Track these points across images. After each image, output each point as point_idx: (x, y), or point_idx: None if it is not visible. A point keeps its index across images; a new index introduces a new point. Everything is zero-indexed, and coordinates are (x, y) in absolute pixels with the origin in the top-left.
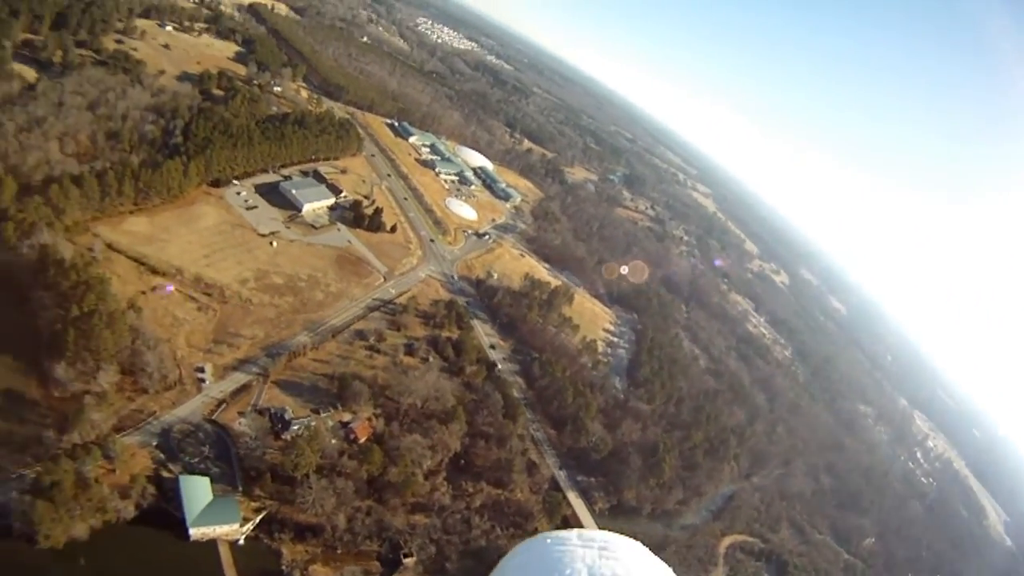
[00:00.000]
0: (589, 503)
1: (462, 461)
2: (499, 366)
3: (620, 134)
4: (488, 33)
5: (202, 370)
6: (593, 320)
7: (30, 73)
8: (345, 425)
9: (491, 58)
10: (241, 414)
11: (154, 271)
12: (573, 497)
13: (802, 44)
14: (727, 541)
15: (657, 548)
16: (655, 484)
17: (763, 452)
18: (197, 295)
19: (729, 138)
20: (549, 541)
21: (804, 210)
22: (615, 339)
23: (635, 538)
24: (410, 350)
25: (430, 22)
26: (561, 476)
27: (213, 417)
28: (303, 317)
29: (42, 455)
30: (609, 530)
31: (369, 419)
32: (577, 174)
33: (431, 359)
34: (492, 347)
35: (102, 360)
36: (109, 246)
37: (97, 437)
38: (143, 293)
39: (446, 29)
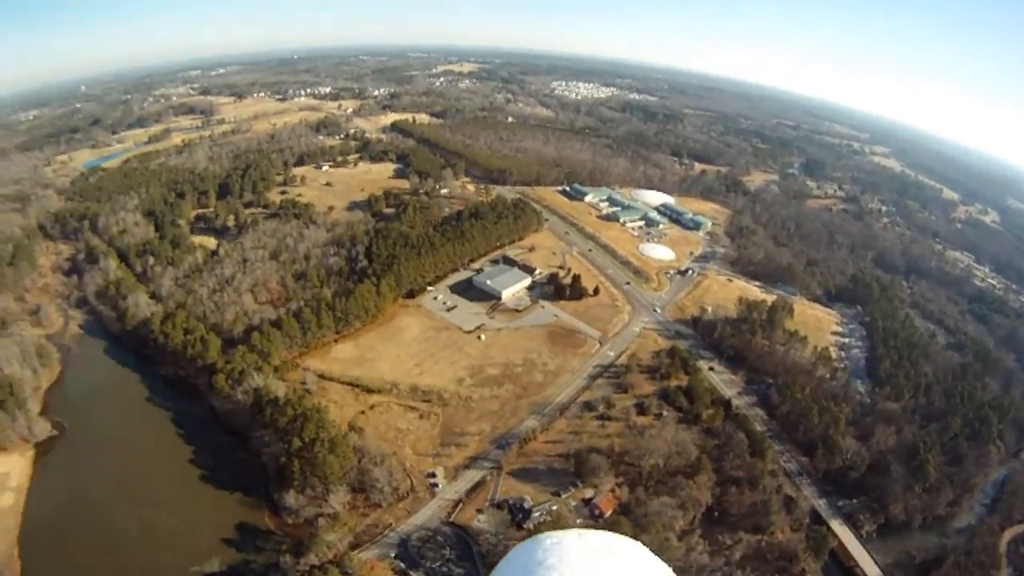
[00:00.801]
0: (856, 528)
1: (715, 513)
2: (735, 402)
3: (782, 125)
4: (621, 73)
5: (433, 475)
6: (818, 327)
7: (210, 241)
8: (588, 502)
9: (634, 96)
10: (479, 511)
11: (369, 390)
12: (837, 525)
13: None
14: (1008, 536)
15: (936, 563)
16: (921, 490)
17: None
18: (416, 404)
19: (881, 88)
20: (549, 541)
21: (979, 132)
22: (846, 340)
23: (911, 555)
24: (641, 409)
25: (564, 83)
26: (821, 505)
27: (451, 519)
28: (527, 402)
29: None
30: (883, 553)
31: (612, 490)
32: (756, 179)
33: (665, 413)
34: (717, 374)
35: (330, 483)
36: (321, 376)
37: (335, 556)
38: (362, 413)
39: (581, 84)
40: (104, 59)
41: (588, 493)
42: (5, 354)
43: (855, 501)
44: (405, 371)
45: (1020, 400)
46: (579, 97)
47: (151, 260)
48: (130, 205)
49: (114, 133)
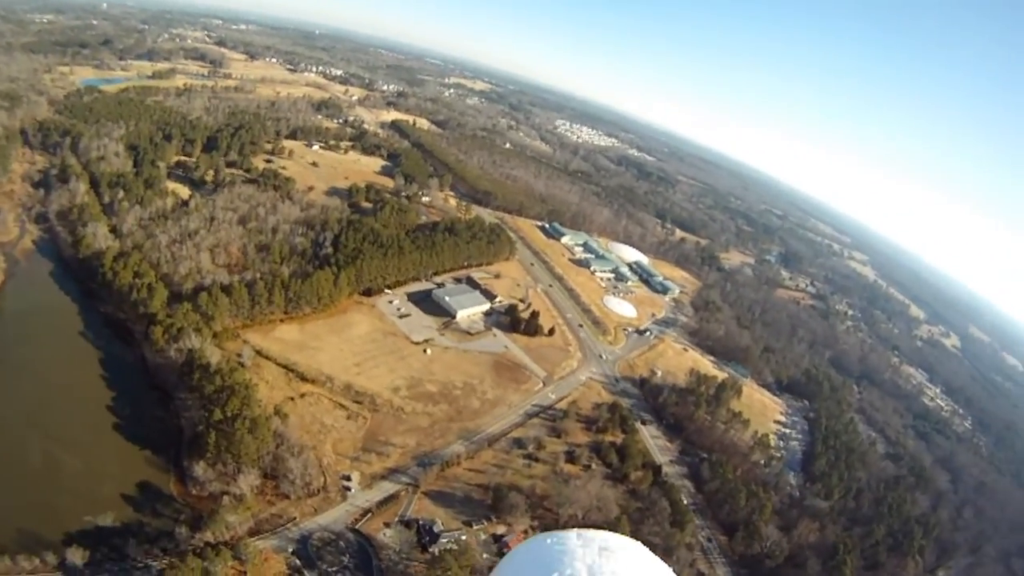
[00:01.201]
0: None
1: None
2: (666, 470)
3: (770, 212)
4: (626, 128)
5: (348, 478)
6: (763, 412)
7: (183, 191)
8: (499, 538)
9: (633, 151)
10: (387, 525)
11: (303, 378)
12: None
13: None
14: None
15: None
16: None
17: (949, 541)
18: (347, 403)
19: (872, 196)
20: (549, 541)
21: (957, 259)
22: (787, 431)
23: None
24: (571, 457)
25: (568, 123)
26: None
27: (356, 526)
28: (458, 426)
29: (171, 550)
30: None
31: (525, 532)
32: (733, 258)
33: (594, 466)
34: (654, 438)
35: (243, 463)
36: (258, 352)
37: (231, 538)
38: (291, 399)
39: (584, 128)
40: None
41: (500, 529)
42: None
43: None
44: (344, 367)
45: (946, 521)
46: (579, 140)
47: (121, 194)
48: (116, 134)
49: (121, 59)
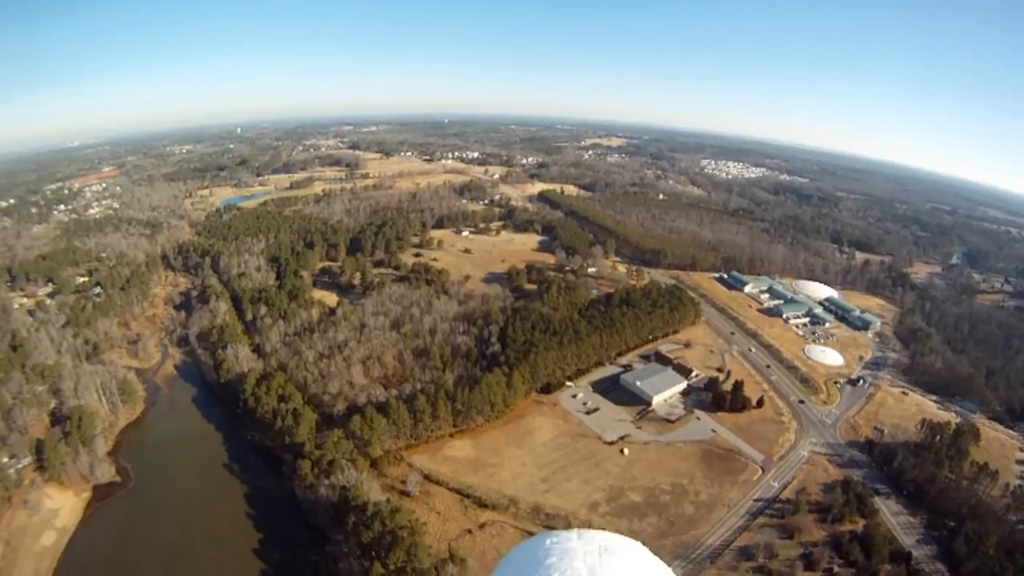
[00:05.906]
0: None
1: None
2: (914, 554)
3: (938, 210)
4: (769, 153)
5: None
6: (1002, 454)
7: (330, 298)
8: None
9: (784, 177)
10: None
11: (482, 504)
12: None
13: None
14: None
15: None
16: None
17: None
18: (537, 529)
19: None
20: (548, 541)
21: None
22: None
23: None
24: (809, 562)
25: (713, 162)
26: None
27: None
28: (672, 541)
29: None
30: None
31: None
32: (919, 271)
33: (836, 569)
34: (895, 515)
35: None
36: (427, 477)
37: None
38: (469, 532)
39: (730, 163)
40: (264, 106)
41: None
42: (85, 382)
43: None
44: (529, 485)
45: None
46: (729, 177)
47: (263, 309)
48: (256, 248)
49: (258, 176)
